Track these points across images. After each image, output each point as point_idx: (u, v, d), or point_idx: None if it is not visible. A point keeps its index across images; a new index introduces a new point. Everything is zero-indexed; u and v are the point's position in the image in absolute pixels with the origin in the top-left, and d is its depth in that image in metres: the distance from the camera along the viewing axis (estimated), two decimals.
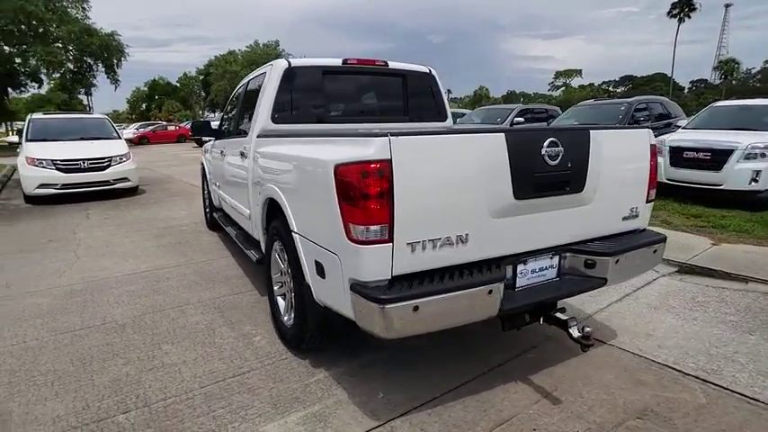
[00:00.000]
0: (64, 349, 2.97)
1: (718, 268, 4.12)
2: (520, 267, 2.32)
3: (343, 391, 2.48)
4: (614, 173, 2.51)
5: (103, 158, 8.75)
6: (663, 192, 7.11)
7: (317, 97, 3.79)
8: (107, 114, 13.35)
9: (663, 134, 7.89)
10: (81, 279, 4.31)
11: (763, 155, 6.38)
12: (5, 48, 27.61)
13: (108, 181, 8.76)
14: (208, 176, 5.97)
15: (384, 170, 1.85)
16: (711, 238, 5.08)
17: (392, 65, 4.01)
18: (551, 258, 2.42)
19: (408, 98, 4.16)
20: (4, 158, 16.01)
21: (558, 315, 2.44)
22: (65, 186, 8.34)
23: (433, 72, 4.29)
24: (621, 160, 2.57)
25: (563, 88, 79.93)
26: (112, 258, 4.98)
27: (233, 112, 4.79)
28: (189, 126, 24.21)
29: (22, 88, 32.09)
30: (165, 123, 38.63)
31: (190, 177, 11.36)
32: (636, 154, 2.65)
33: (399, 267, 1.96)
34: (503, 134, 2.12)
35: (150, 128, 34.79)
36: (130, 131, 32.48)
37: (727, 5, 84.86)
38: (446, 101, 4.42)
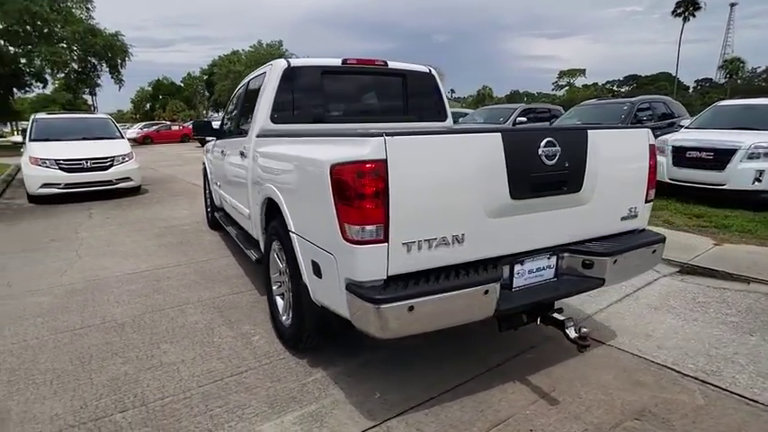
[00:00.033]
0: (63, 348, 2.98)
1: (720, 269, 4.09)
2: (517, 267, 2.31)
3: (341, 390, 2.48)
4: (612, 173, 2.50)
5: (106, 158, 8.79)
6: (665, 191, 7.08)
7: (316, 97, 3.79)
8: (111, 114, 13.44)
9: (666, 134, 7.86)
10: (82, 278, 4.34)
11: (766, 154, 6.33)
12: (11, 48, 27.79)
13: (111, 181, 8.81)
14: (209, 176, 5.99)
15: (379, 170, 1.85)
16: (714, 239, 5.05)
17: (392, 65, 4.01)
18: (549, 258, 2.41)
19: (408, 98, 4.16)
20: (8, 158, 16.11)
21: (556, 315, 2.42)
22: (68, 186, 8.39)
23: (433, 72, 4.28)
24: (620, 160, 2.56)
25: (567, 88, 79.73)
26: (114, 258, 5.00)
27: (234, 112, 4.81)
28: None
29: (27, 88, 32.21)
30: (168, 123, 38.80)
31: (192, 177, 11.39)
32: (634, 154, 2.63)
33: (395, 267, 1.96)
34: (499, 134, 2.11)
35: (154, 127, 34.95)
36: (134, 131, 32.64)
37: (733, 4, 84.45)
38: (446, 100, 4.41)
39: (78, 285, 4.15)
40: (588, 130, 2.40)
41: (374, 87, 4.19)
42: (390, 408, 2.31)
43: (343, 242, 1.96)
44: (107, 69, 33.51)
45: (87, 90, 36.89)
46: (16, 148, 12.40)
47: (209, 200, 6.27)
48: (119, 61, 33.15)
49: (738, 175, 6.45)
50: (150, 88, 69.05)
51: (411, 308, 1.88)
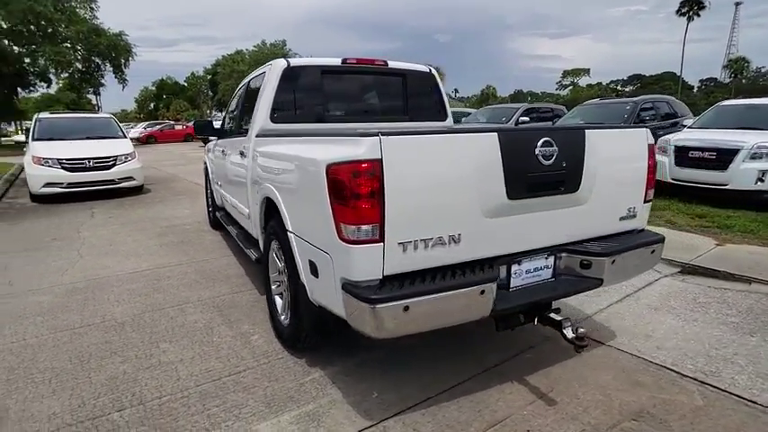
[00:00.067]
0: (63, 347, 3.00)
1: (722, 269, 4.07)
2: (514, 267, 2.31)
3: (338, 390, 2.48)
4: (611, 173, 2.48)
5: (109, 158, 8.83)
6: (668, 191, 7.06)
7: (316, 97, 3.79)
8: (115, 114, 13.49)
9: (669, 133, 7.83)
10: (83, 277, 4.35)
11: None
12: (15, 48, 27.96)
13: (113, 180, 8.84)
14: (210, 175, 6.01)
15: (375, 170, 1.85)
16: (716, 239, 5.03)
17: (392, 64, 4.01)
18: (546, 259, 2.40)
19: (408, 98, 4.15)
20: (12, 157, 16.19)
21: (553, 316, 2.42)
22: (70, 185, 8.43)
23: (434, 71, 4.27)
24: (618, 160, 2.55)
25: (571, 87, 79.48)
26: (115, 257, 5.02)
27: (234, 112, 4.82)
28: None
29: (32, 88, 32.47)
30: (172, 122, 38.96)
31: (194, 176, 11.42)
32: (633, 154, 2.62)
33: (390, 267, 1.95)
34: (495, 134, 2.10)
35: (157, 127, 35.10)
36: (138, 130, 32.78)
37: (738, 3, 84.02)
38: (446, 100, 4.40)
39: (79, 284, 4.16)
40: (586, 130, 2.39)
41: (374, 87, 4.18)
42: (387, 407, 2.31)
43: (338, 242, 1.96)
44: (111, 69, 33.74)
45: (91, 90, 37.10)
46: (20, 147, 12.45)
47: (210, 199, 6.28)
48: (122, 61, 33.36)
49: (741, 176, 6.41)
50: (154, 88, 69.29)
51: (406, 308, 1.88)
